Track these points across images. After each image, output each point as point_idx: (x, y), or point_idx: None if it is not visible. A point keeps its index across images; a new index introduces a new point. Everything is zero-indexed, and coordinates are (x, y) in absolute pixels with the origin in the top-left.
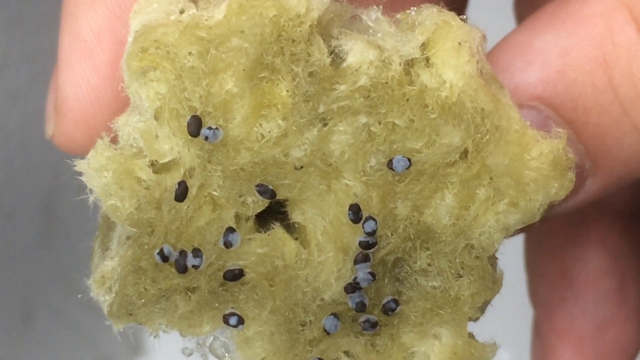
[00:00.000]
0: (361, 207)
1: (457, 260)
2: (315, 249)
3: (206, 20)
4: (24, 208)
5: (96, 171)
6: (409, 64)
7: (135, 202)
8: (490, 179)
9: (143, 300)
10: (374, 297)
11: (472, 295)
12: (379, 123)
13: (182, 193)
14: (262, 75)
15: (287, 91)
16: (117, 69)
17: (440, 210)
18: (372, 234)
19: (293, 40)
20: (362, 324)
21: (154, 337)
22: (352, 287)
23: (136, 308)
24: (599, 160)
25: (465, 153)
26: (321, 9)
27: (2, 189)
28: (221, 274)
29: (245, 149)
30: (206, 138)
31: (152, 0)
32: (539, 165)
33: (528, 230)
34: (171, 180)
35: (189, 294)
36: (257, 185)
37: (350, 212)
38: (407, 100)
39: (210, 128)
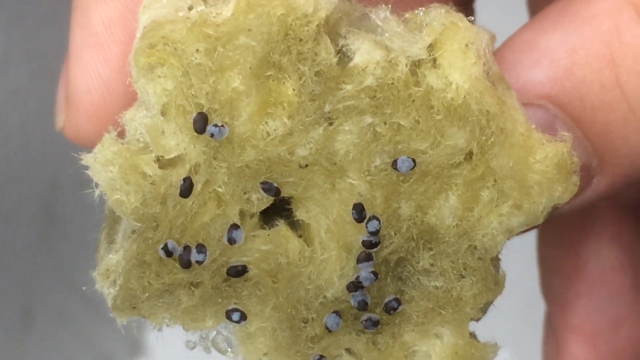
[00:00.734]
0: (365, 206)
1: (460, 261)
2: (318, 247)
3: (214, 17)
4: (24, 208)
5: (102, 165)
6: (416, 64)
7: (141, 196)
8: (495, 181)
9: (147, 294)
10: (376, 295)
11: (474, 296)
12: (385, 123)
13: (187, 189)
14: (269, 73)
15: (294, 90)
16: (128, 63)
17: (444, 211)
18: (375, 233)
19: (300, 39)
20: (363, 322)
21: (157, 331)
22: (355, 286)
23: (140, 302)
24: (605, 159)
25: (469, 155)
26: (329, 9)
27: (2, 189)
28: (225, 269)
29: (250, 147)
30: (212, 135)
31: None
32: (543, 168)
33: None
34: (176, 176)
35: (193, 288)
36: (261, 183)
37: (354, 211)
38: (413, 101)
39: (216, 125)
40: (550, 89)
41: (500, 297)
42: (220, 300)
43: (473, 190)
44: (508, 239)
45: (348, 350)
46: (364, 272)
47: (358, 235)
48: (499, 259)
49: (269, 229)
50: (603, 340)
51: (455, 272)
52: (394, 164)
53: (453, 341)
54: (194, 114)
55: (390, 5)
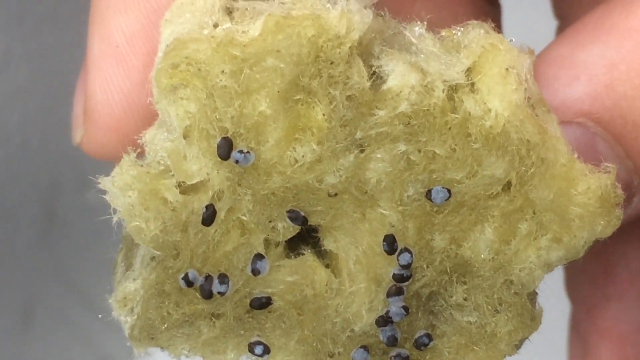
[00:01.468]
0: (396, 238)
1: (495, 295)
2: (346, 279)
3: (241, 36)
4: (24, 208)
5: (121, 190)
6: (453, 89)
7: (161, 224)
8: (534, 213)
9: (166, 325)
10: (407, 330)
11: (509, 332)
12: (419, 151)
13: (209, 217)
14: (298, 97)
15: (323, 115)
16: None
17: (479, 244)
18: (407, 266)
19: (331, 62)
20: (393, 358)
21: None
22: (384, 320)
23: (158, 332)
24: None
25: (508, 185)
26: (362, 29)
27: (2, 189)
28: (248, 301)
29: (277, 173)
30: (237, 161)
31: (185, 9)
32: (585, 201)
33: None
34: (199, 203)
35: (214, 319)
36: (288, 211)
37: (384, 242)
38: (449, 128)
39: (241, 152)
40: (589, 106)
41: None
42: (242, 332)
43: (510, 222)
44: (546, 273)
45: None
46: (395, 306)
47: (389, 267)
48: (536, 294)
49: (295, 258)
50: (631, 343)
51: (490, 307)
52: (428, 194)
53: None
54: (218, 139)
55: (425, 22)
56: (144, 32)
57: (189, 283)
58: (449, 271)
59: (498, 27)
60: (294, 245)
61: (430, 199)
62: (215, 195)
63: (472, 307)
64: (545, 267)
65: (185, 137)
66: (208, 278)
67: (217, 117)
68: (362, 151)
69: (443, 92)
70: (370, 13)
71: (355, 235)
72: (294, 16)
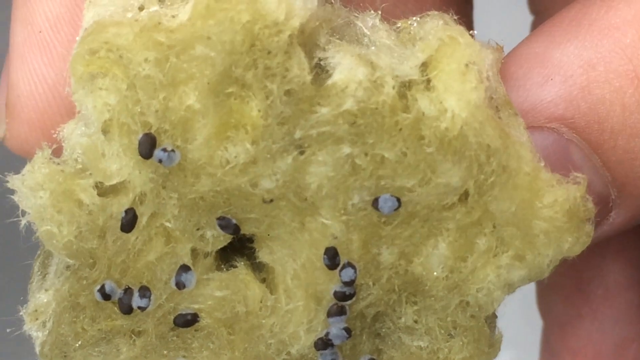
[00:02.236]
0: (339, 251)
1: (449, 318)
2: (283, 295)
3: (168, 21)
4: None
5: (31, 190)
6: (406, 86)
7: (75, 229)
8: (493, 227)
9: (80, 342)
10: (349, 354)
11: (464, 359)
12: (365, 155)
13: (129, 222)
14: (230, 90)
15: (259, 111)
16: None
17: (432, 260)
18: (350, 283)
19: (268, 52)
20: None
21: None
22: (324, 343)
23: (72, 350)
24: (626, 189)
25: (465, 195)
26: (304, 16)
27: (2, 189)
28: (172, 317)
29: (206, 175)
30: (160, 161)
31: None
32: (551, 214)
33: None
34: (118, 206)
35: (134, 337)
36: (218, 218)
37: (325, 256)
38: (400, 129)
39: (165, 150)
40: (564, 110)
41: None
42: (165, 352)
43: (467, 237)
44: (507, 294)
45: None
46: (335, 328)
47: (330, 284)
48: (496, 317)
49: (227, 270)
50: None
51: (443, 331)
52: (375, 203)
53: None
54: (140, 135)
55: (380, 12)
56: (69, 16)
57: (106, 296)
58: (397, 290)
59: (468, 23)
60: (227, 257)
61: (377, 208)
62: (137, 198)
63: (423, 330)
64: (505, 287)
65: (104, 132)
66: (127, 291)
67: (140, 110)
68: (301, 153)
69: (393, 88)
70: None
71: (294, 246)
72: None
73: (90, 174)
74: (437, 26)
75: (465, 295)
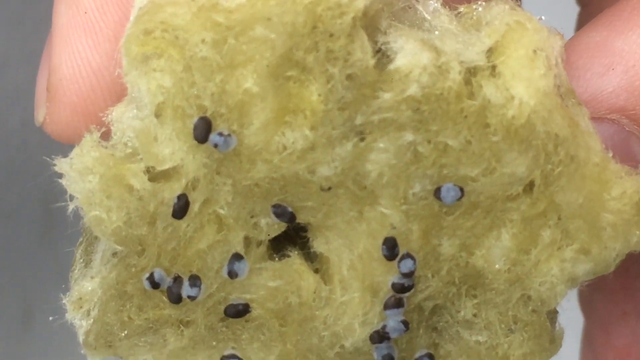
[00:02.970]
0: (398, 241)
1: (510, 312)
2: (338, 286)
3: (226, 1)
4: (24, 208)
5: (80, 174)
6: (471, 72)
7: (125, 214)
8: (559, 219)
9: (126, 332)
10: (405, 348)
11: (524, 355)
12: (428, 142)
13: (181, 208)
14: (290, 74)
15: (319, 95)
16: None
17: (494, 252)
18: (409, 275)
19: (331, 35)
20: None
21: None
22: (380, 336)
23: (117, 339)
24: None
25: (530, 186)
26: None
27: (2, 189)
28: (222, 307)
29: (262, 161)
30: (215, 145)
31: None
32: (620, 207)
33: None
34: (170, 192)
35: (182, 327)
36: (273, 206)
37: (384, 246)
38: (465, 117)
39: (221, 134)
40: (625, 101)
41: None
42: (214, 343)
43: (532, 228)
44: (570, 289)
45: None
46: (393, 320)
47: (388, 275)
48: (557, 312)
49: (279, 260)
50: None
51: (503, 325)
52: (437, 193)
53: None
54: (195, 119)
55: None
56: None
57: (155, 284)
58: (457, 282)
59: None
60: (279, 246)
61: (439, 198)
62: (190, 184)
63: (482, 324)
64: (569, 282)
65: (157, 115)
66: (177, 279)
67: (195, 93)
68: (362, 139)
69: (459, 74)
70: None
71: (351, 236)
72: None
73: (141, 158)
74: (503, 11)
75: (527, 289)
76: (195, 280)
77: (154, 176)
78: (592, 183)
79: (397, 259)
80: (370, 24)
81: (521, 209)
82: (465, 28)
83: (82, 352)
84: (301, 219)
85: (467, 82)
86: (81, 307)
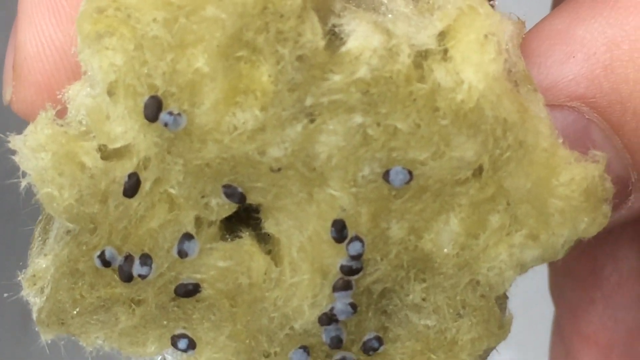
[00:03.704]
0: (347, 223)
1: (458, 297)
2: (288, 268)
3: None
4: (24, 208)
5: (32, 151)
6: (422, 55)
7: (77, 192)
8: (507, 204)
9: (78, 309)
10: (354, 331)
11: (473, 340)
12: (378, 125)
13: (132, 187)
14: (240, 54)
15: (269, 76)
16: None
17: (442, 236)
18: (357, 257)
19: (281, 15)
20: None
21: (90, 352)
22: (328, 318)
23: (69, 317)
24: None
25: (479, 170)
26: None
27: (2, 189)
28: (173, 287)
29: (212, 141)
30: (165, 124)
31: None
32: (568, 193)
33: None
34: (121, 170)
35: (133, 306)
36: (224, 186)
37: (333, 228)
38: (414, 100)
39: (171, 113)
40: (585, 89)
41: None
42: (165, 322)
43: (480, 213)
44: (519, 274)
45: None
46: (341, 303)
47: (337, 257)
48: (507, 297)
49: (231, 240)
50: (618, 352)
51: (451, 310)
52: (386, 175)
53: None
54: (146, 97)
55: None
56: None
57: (106, 262)
58: (406, 266)
59: None
60: (232, 227)
61: (388, 181)
62: (141, 162)
63: (431, 308)
64: (517, 267)
65: (110, 94)
66: (128, 258)
67: (146, 72)
68: (312, 121)
69: (409, 57)
70: None
71: (300, 218)
72: None
73: (94, 136)
74: None
75: (476, 274)
76: (146, 259)
77: (107, 155)
78: (540, 168)
79: (346, 241)
80: (322, 6)
81: (470, 193)
82: (421, 12)
83: (83, 354)
84: (251, 199)
85: (419, 65)
86: (35, 284)
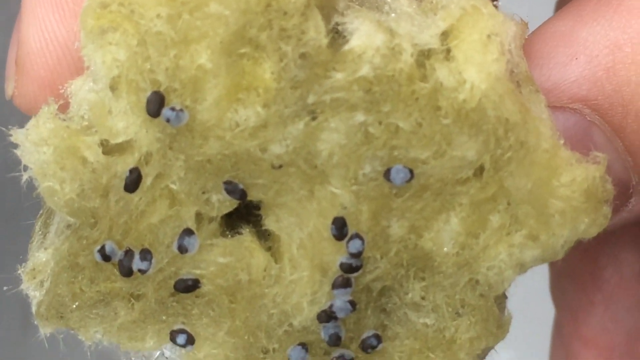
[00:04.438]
0: (347, 221)
1: (457, 296)
2: (288, 265)
3: None
4: (24, 208)
5: (35, 145)
6: (425, 54)
7: (78, 186)
8: (508, 204)
9: (77, 303)
10: (353, 328)
11: (471, 339)
12: (379, 123)
13: (133, 182)
14: (243, 51)
15: (272, 73)
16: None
17: (442, 235)
18: (357, 255)
19: (285, 13)
20: (335, 359)
21: (89, 347)
22: (327, 316)
23: (68, 311)
24: None
25: (480, 170)
26: None
27: (3, 182)
28: (172, 282)
29: (214, 138)
30: (168, 120)
31: None
32: (569, 194)
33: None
34: (123, 165)
35: (133, 301)
36: (225, 182)
37: (333, 226)
38: (417, 99)
39: (173, 109)
40: (587, 91)
41: None
42: (164, 317)
43: (480, 213)
44: (518, 274)
45: None
46: (340, 300)
47: (337, 255)
48: (506, 297)
49: (232, 237)
50: (619, 354)
51: (450, 309)
52: (387, 174)
53: None
54: (149, 93)
55: None
56: None
57: (106, 257)
58: (405, 264)
59: None
60: (233, 223)
61: (389, 179)
62: (143, 158)
63: (430, 307)
64: (517, 267)
65: (112, 89)
66: (128, 253)
67: (149, 67)
68: (314, 118)
69: (412, 56)
70: None
71: (301, 215)
72: None
73: (96, 131)
74: None
75: (475, 273)
76: (146, 254)
77: (108, 149)
78: (541, 169)
79: (346, 239)
80: (326, 3)
81: (470, 193)
82: (424, 11)
83: (82, 348)
84: (252, 196)
85: (421, 65)
86: (34, 278)
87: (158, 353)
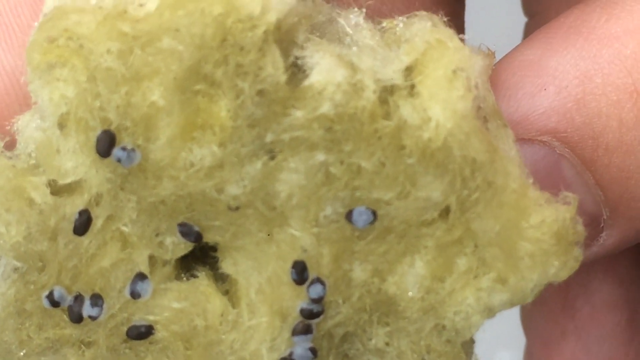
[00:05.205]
0: (308, 265)
1: (423, 342)
2: (245, 310)
3: (135, 10)
4: None
5: None
6: (388, 90)
7: (24, 229)
8: (475, 246)
9: (25, 351)
10: None
11: None
12: (341, 163)
13: (83, 224)
14: (198, 87)
15: (228, 111)
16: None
17: (407, 279)
18: (318, 300)
19: (241, 48)
20: None
21: None
22: None
23: (15, 359)
24: (619, 210)
25: (446, 212)
26: (282, 11)
27: None
28: (125, 328)
29: (168, 178)
30: (118, 160)
31: None
32: (538, 236)
33: None
34: (72, 207)
35: (83, 348)
36: (179, 224)
37: (293, 270)
38: (380, 138)
39: (124, 148)
40: (556, 123)
41: None
42: None
43: (447, 255)
44: (486, 319)
45: None
46: (300, 347)
47: (297, 300)
48: (473, 342)
49: (187, 280)
50: None
51: (415, 355)
52: (349, 216)
53: None
54: (99, 132)
55: (364, 10)
56: None
57: (55, 302)
58: (369, 309)
59: (459, 24)
60: (188, 266)
61: (351, 221)
62: (93, 199)
63: (394, 353)
64: (485, 311)
65: (60, 127)
66: (78, 298)
67: (99, 105)
68: (272, 158)
69: (374, 93)
70: None
71: (260, 258)
72: None
73: (44, 170)
74: (424, 28)
75: (442, 319)
76: (97, 300)
77: (57, 190)
78: (509, 210)
79: (307, 283)
80: (285, 37)
81: (436, 235)
82: (388, 44)
83: None
84: (208, 238)
85: (384, 101)
86: None
87: None
